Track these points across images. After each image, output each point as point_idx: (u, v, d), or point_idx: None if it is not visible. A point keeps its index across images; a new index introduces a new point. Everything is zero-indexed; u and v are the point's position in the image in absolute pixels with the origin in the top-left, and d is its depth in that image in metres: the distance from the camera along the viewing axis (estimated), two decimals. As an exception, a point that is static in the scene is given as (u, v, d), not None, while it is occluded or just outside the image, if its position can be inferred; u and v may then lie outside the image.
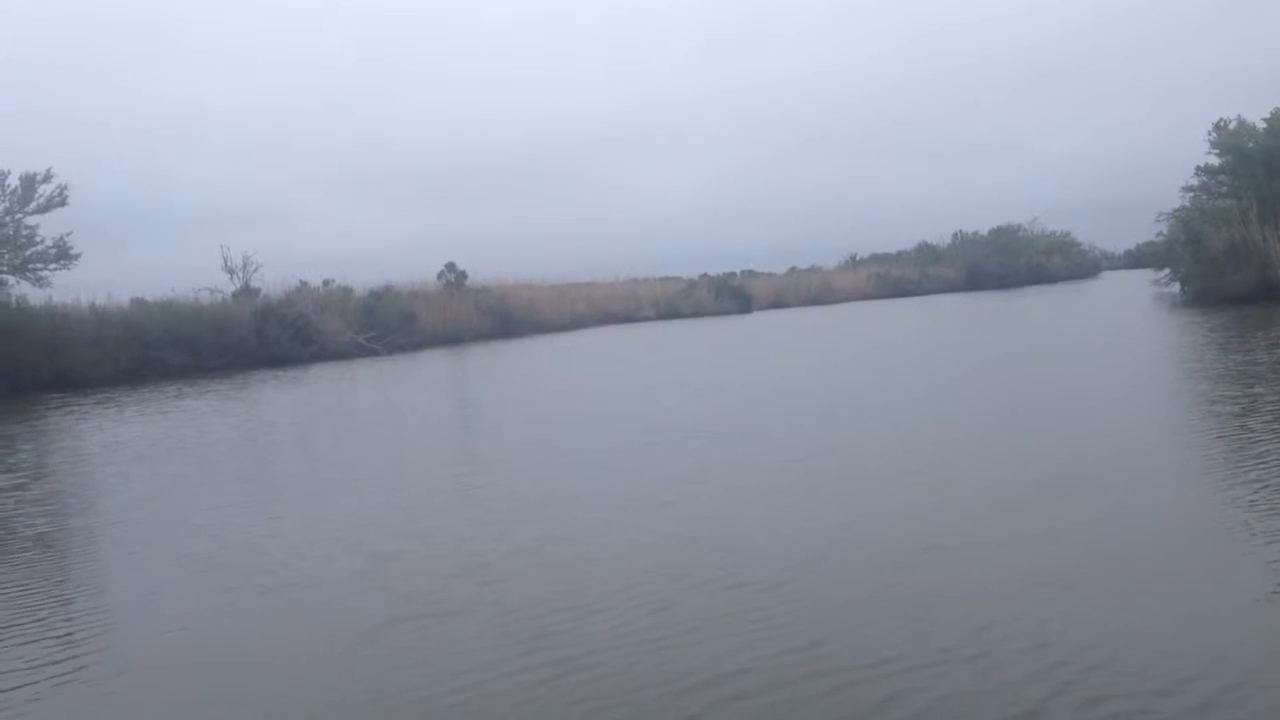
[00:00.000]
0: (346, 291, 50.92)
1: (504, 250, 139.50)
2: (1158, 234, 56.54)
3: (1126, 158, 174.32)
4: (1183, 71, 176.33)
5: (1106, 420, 15.89)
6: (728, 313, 68.95)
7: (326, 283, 51.34)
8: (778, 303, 78.00)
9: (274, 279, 49.20)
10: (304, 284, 49.68)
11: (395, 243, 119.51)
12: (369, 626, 8.08)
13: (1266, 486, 10.73)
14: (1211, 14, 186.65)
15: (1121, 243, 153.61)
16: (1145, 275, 63.20)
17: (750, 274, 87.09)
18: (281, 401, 27.16)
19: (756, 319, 63.02)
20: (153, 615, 8.79)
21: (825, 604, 7.98)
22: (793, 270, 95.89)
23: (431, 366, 38.40)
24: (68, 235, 41.41)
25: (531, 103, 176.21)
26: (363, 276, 53.24)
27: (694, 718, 6.13)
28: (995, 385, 21.45)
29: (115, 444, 19.83)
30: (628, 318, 65.28)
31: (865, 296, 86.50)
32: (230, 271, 47.23)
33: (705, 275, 76.79)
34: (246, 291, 46.57)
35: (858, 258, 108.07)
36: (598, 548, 10.06)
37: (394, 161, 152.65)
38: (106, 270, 63.76)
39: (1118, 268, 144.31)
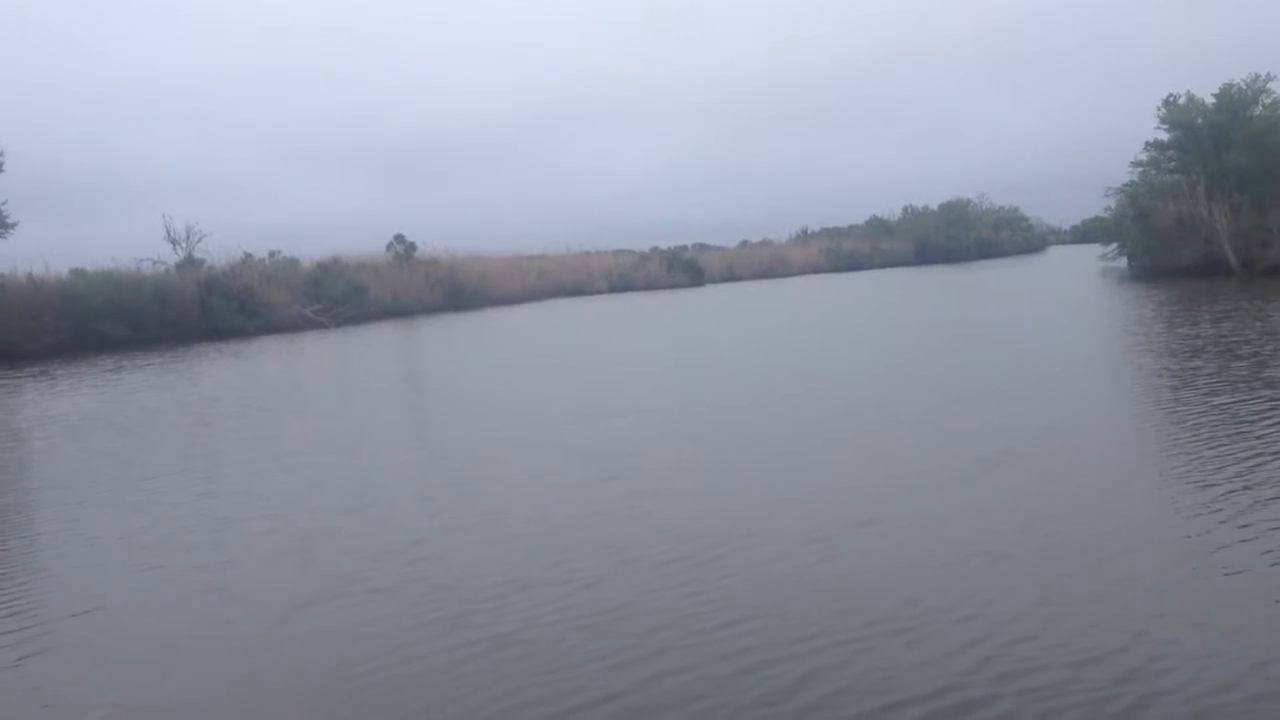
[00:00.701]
0: (293, 263, 50.20)
1: (456, 224, 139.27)
2: (1106, 209, 57.07)
3: (1075, 134, 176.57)
4: (1133, 50, 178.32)
5: (1050, 396, 15.97)
6: (680, 286, 68.80)
7: (272, 254, 50.57)
8: (730, 276, 77.97)
9: (219, 250, 48.26)
10: (249, 255, 48.84)
11: (345, 215, 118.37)
12: (290, 604, 7.92)
13: (1198, 459, 10.82)
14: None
15: (1068, 218, 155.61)
16: (1093, 250, 63.79)
17: (702, 247, 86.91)
18: (223, 375, 26.69)
19: (708, 292, 62.93)
20: (72, 595, 8.58)
21: (755, 579, 7.92)
22: (744, 244, 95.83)
23: (379, 340, 37.97)
24: (3, 204, 40.39)
25: (486, 76, 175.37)
26: (311, 249, 52.56)
27: (617, 695, 6.04)
28: (943, 362, 21.46)
29: (46, 418, 19.42)
30: (579, 290, 64.97)
31: (817, 270, 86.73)
32: (174, 242, 46.24)
33: (656, 249, 76.49)
34: (190, 263, 45.68)
35: (809, 231, 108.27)
36: (532, 524, 9.95)
37: (346, 134, 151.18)
38: (45, 240, 62.62)
39: (1065, 243, 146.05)
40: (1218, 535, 8.29)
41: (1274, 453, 10.89)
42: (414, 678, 6.49)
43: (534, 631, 7.10)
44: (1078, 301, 36.27)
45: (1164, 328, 23.94)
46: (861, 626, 6.81)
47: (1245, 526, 8.45)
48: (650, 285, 68.02)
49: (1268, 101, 45.50)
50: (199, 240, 46.71)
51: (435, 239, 59.15)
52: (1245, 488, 9.59)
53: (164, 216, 46.93)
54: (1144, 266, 49.36)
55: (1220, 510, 8.93)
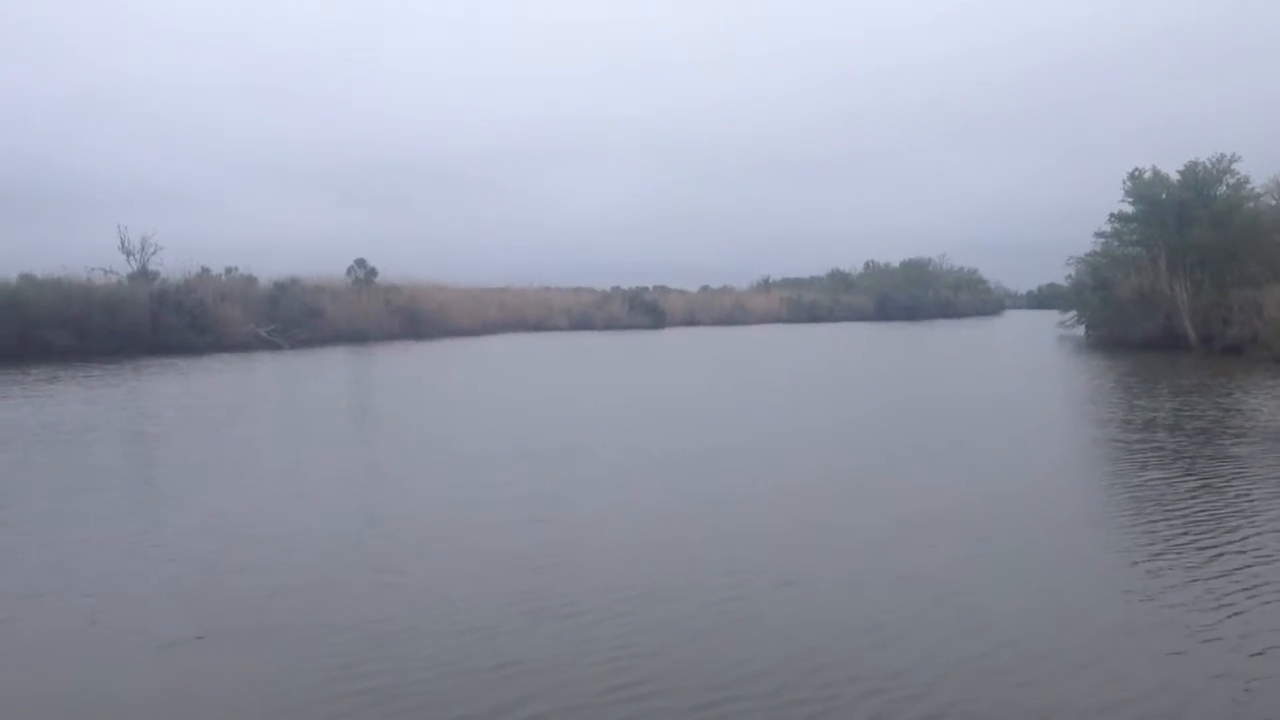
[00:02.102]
0: (250, 281, 49.55)
1: (417, 251, 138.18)
2: (1067, 277, 57.52)
3: (1035, 202, 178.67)
4: (1097, 124, 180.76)
5: (999, 462, 15.74)
6: (640, 327, 68.57)
7: (229, 270, 49.92)
8: (690, 320, 77.91)
9: (175, 264, 47.44)
10: (205, 270, 48.18)
11: (306, 235, 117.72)
12: (164, 643, 7.41)
13: (1156, 540, 10.54)
14: (1130, 75, 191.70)
15: (1025, 283, 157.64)
16: (1048, 315, 64.36)
17: (663, 290, 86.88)
18: (163, 391, 25.99)
19: (669, 335, 62.72)
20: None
21: (660, 638, 7.54)
22: (705, 289, 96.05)
23: (331, 363, 37.37)
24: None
25: (454, 107, 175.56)
26: (270, 268, 51.92)
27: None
28: (900, 419, 21.22)
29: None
30: (540, 326, 64.64)
31: (778, 319, 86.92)
32: (128, 253, 45.40)
33: (618, 288, 76.33)
34: (144, 275, 44.92)
35: (770, 280, 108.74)
36: (439, 568, 9.51)
37: (311, 155, 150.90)
38: (-1, 246, 61.35)
39: (1020, 307, 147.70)
40: (1127, 610, 8.06)
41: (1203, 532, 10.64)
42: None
43: (418, 684, 6.67)
44: (1037, 367, 36.27)
45: (1122, 399, 23.85)
46: (763, 694, 6.44)
47: (1148, 600, 8.29)
48: (611, 325, 67.72)
49: (1232, 181, 45.97)
50: (154, 252, 45.96)
51: (396, 266, 58.47)
52: (1169, 565, 9.33)
53: (119, 226, 46.02)
54: (1102, 336, 49.63)
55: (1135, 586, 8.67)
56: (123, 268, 45.10)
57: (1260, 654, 7.23)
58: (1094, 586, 8.88)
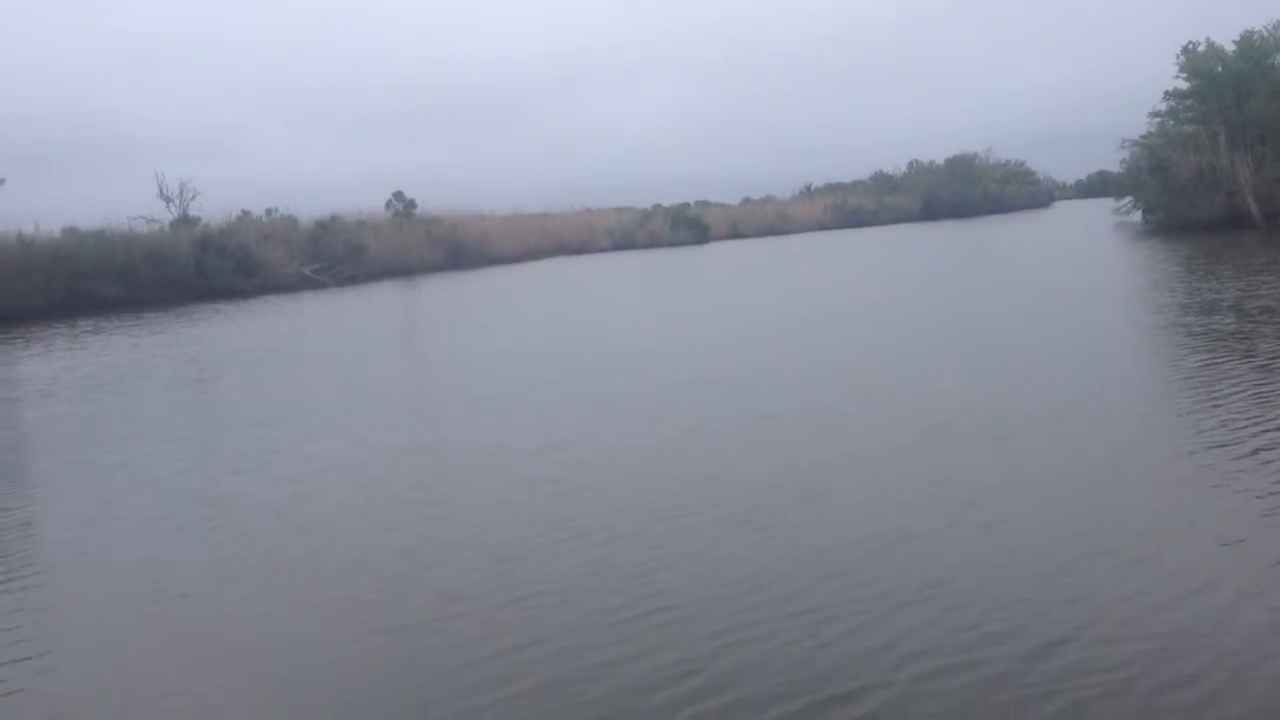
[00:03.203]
0: (291, 221, 49.33)
1: (458, 185, 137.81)
2: (1121, 161, 55.75)
3: (1080, 89, 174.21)
4: (1145, 6, 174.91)
5: (1048, 357, 15.27)
6: (684, 243, 67.70)
7: (269, 212, 49.73)
8: (734, 233, 76.70)
9: (215, 209, 47.53)
10: (246, 213, 48.06)
11: (345, 177, 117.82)
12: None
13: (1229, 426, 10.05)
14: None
15: (1072, 173, 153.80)
16: (1098, 205, 62.68)
17: (705, 204, 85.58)
18: (213, 336, 25.94)
19: (715, 249, 61.94)
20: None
21: (676, 553, 7.30)
22: (747, 201, 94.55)
23: (377, 301, 37.27)
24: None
25: (488, 39, 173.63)
26: (309, 208, 51.57)
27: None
28: (950, 329, 20.56)
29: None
30: (583, 249, 64.07)
31: (822, 227, 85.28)
32: (167, 200, 45.47)
33: (660, 206, 75.33)
34: (185, 221, 44.96)
35: (813, 188, 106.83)
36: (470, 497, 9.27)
37: (346, 94, 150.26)
38: (36, 199, 61.61)
39: (1070, 197, 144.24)
40: (1181, 500, 7.64)
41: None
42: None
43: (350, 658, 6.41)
44: (1095, 257, 35.31)
45: (1184, 283, 23.08)
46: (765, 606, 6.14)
47: (1205, 490, 7.85)
48: (654, 243, 66.93)
49: (1291, 48, 44.15)
50: (193, 197, 45.96)
51: (435, 198, 57.96)
52: (1227, 452, 8.86)
53: (157, 174, 45.98)
54: (1160, 220, 48.08)
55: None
56: (163, 215, 45.15)
57: None
58: (1146, 478, 8.46)
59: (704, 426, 11.54)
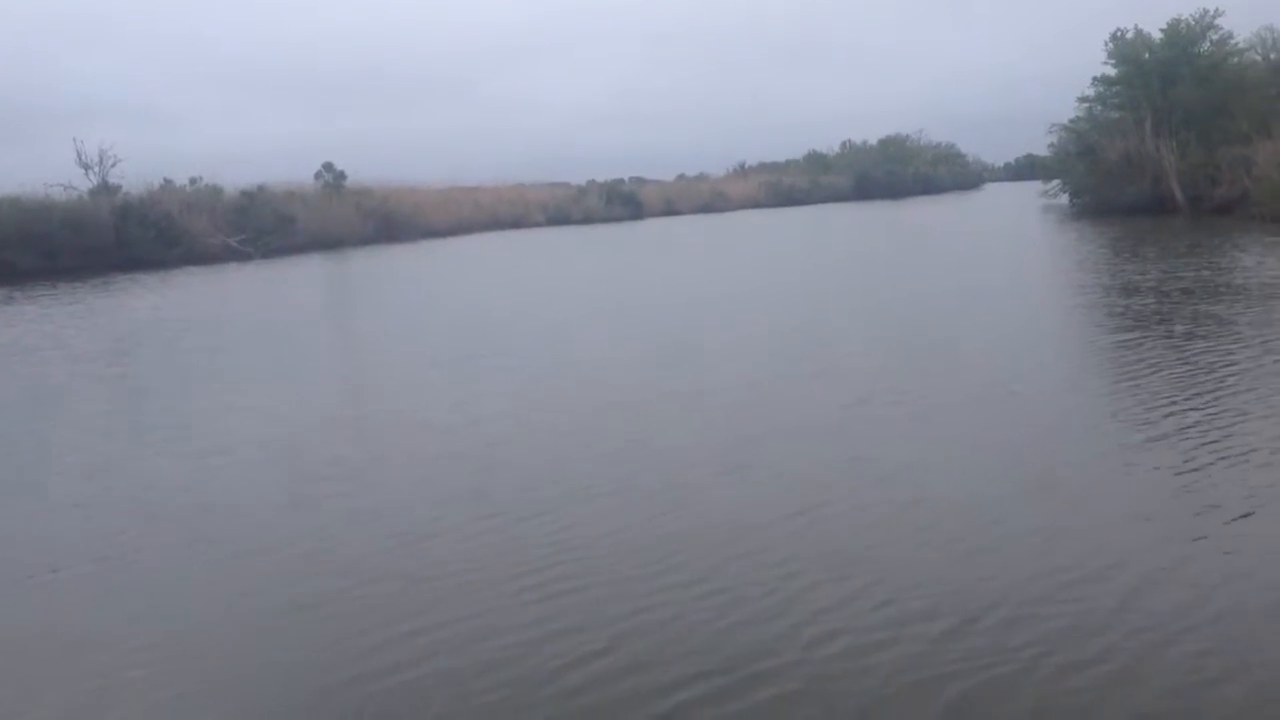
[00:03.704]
0: (216, 190, 48.17)
1: (389, 156, 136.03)
2: (1049, 145, 56.48)
3: (1009, 73, 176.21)
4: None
5: (971, 336, 15.45)
6: (618, 219, 67.38)
7: (194, 181, 48.51)
8: (668, 210, 76.43)
9: (138, 177, 45.90)
10: (169, 182, 46.81)
11: (273, 145, 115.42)
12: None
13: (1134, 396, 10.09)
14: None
15: (1001, 156, 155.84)
16: (1027, 187, 63.47)
17: (639, 181, 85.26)
18: (130, 307, 25.21)
19: (650, 226, 61.74)
20: None
21: (590, 534, 7.16)
22: (681, 177, 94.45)
23: (302, 273, 36.63)
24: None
25: (422, 8, 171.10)
26: (237, 178, 50.40)
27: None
28: (874, 304, 20.69)
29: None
30: (516, 223, 63.45)
31: (756, 205, 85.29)
32: (86, 167, 43.86)
33: (594, 181, 74.89)
34: (105, 189, 43.66)
35: (746, 165, 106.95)
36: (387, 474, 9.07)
37: (276, 59, 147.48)
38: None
39: (998, 180, 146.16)
40: (1095, 476, 7.68)
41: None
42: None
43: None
44: (1022, 238, 35.72)
45: (1109, 264, 23.43)
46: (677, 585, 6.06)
47: (1118, 466, 7.88)
48: (588, 219, 66.49)
49: (1215, 37, 44.89)
50: (113, 165, 44.41)
51: (367, 170, 56.99)
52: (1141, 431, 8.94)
53: (75, 140, 44.50)
54: (1087, 204, 48.78)
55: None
56: (82, 183, 43.77)
57: (1241, 518, 6.83)
58: (1061, 457, 8.46)
59: (624, 401, 11.43)
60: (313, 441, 10.36)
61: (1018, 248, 31.33)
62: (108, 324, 21.64)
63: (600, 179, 76.57)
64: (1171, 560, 6.19)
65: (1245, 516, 6.84)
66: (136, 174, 45.92)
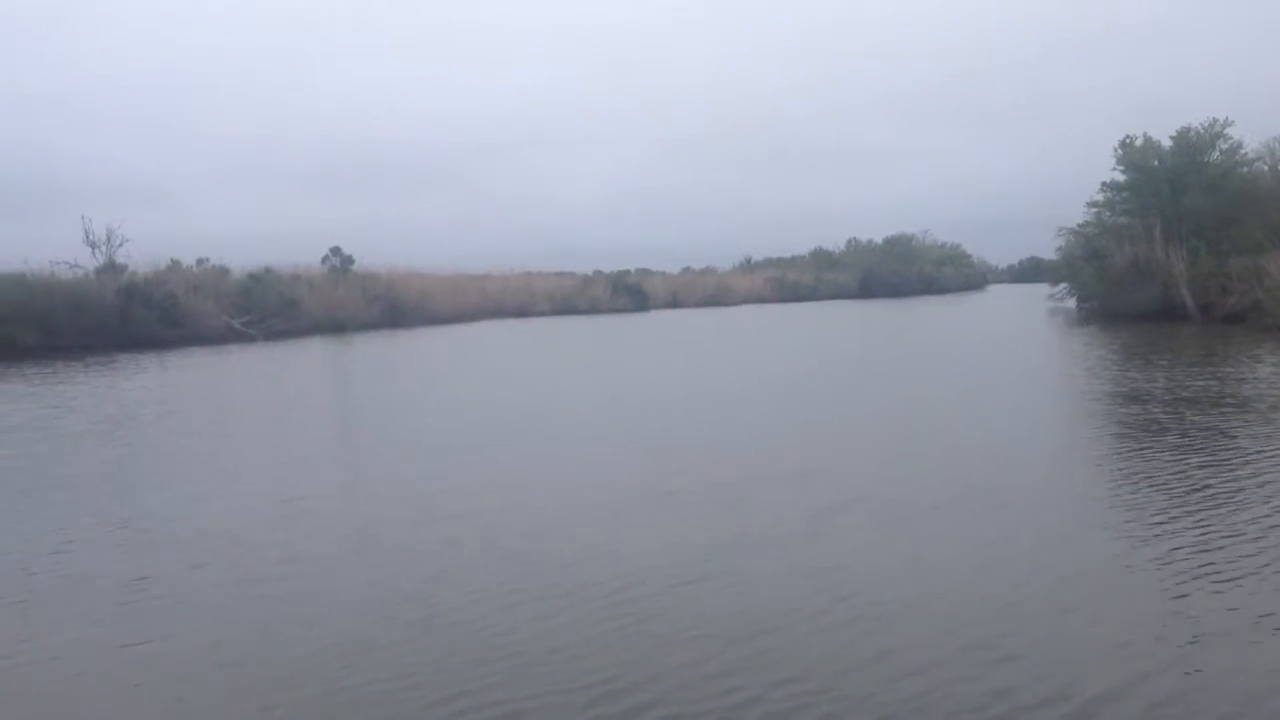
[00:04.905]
0: (222, 272, 48.14)
1: (396, 242, 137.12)
2: (1057, 249, 56.67)
3: (1012, 179, 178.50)
4: (1070, 104, 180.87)
5: (980, 437, 14.92)
6: (624, 310, 67.34)
7: (200, 262, 48.48)
8: (673, 302, 76.57)
9: (144, 257, 45.90)
10: (175, 262, 46.77)
11: (281, 228, 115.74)
12: None
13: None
14: (1098, 52, 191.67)
15: (1004, 258, 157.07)
16: (1032, 289, 63.51)
17: (645, 272, 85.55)
18: (123, 387, 24.84)
19: (655, 318, 61.56)
20: None
21: (519, 642, 6.69)
22: (687, 270, 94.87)
23: (304, 357, 36.25)
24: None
25: (428, 96, 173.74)
26: (243, 260, 50.31)
27: None
28: (894, 405, 20.30)
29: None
30: (522, 312, 63.39)
31: (762, 299, 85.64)
32: (93, 245, 43.78)
33: (600, 272, 75.03)
34: (111, 268, 43.45)
35: (752, 260, 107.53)
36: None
37: (288, 147, 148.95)
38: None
39: (1002, 281, 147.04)
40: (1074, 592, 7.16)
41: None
42: None
43: None
44: (1032, 342, 35.37)
45: (1119, 371, 23.05)
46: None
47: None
48: (594, 309, 66.48)
49: (1224, 146, 45.10)
50: (120, 245, 44.34)
51: (374, 257, 57.14)
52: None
53: (83, 218, 44.38)
54: (1095, 308, 48.62)
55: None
56: (89, 262, 43.56)
57: (1206, 640, 6.42)
58: (1035, 571, 7.99)
59: (598, 500, 11.05)
60: (269, 537, 9.92)
61: (1027, 351, 30.95)
62: (95, 405, 21.18)
63: (606, 269, 76.69)
64: (1130, 682, 5.85)
65: (1215, 641, 6.46)
66: (144, 255, 45.85)
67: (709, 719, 5.61)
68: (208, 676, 6.48)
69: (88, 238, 43.75)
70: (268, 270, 49.22)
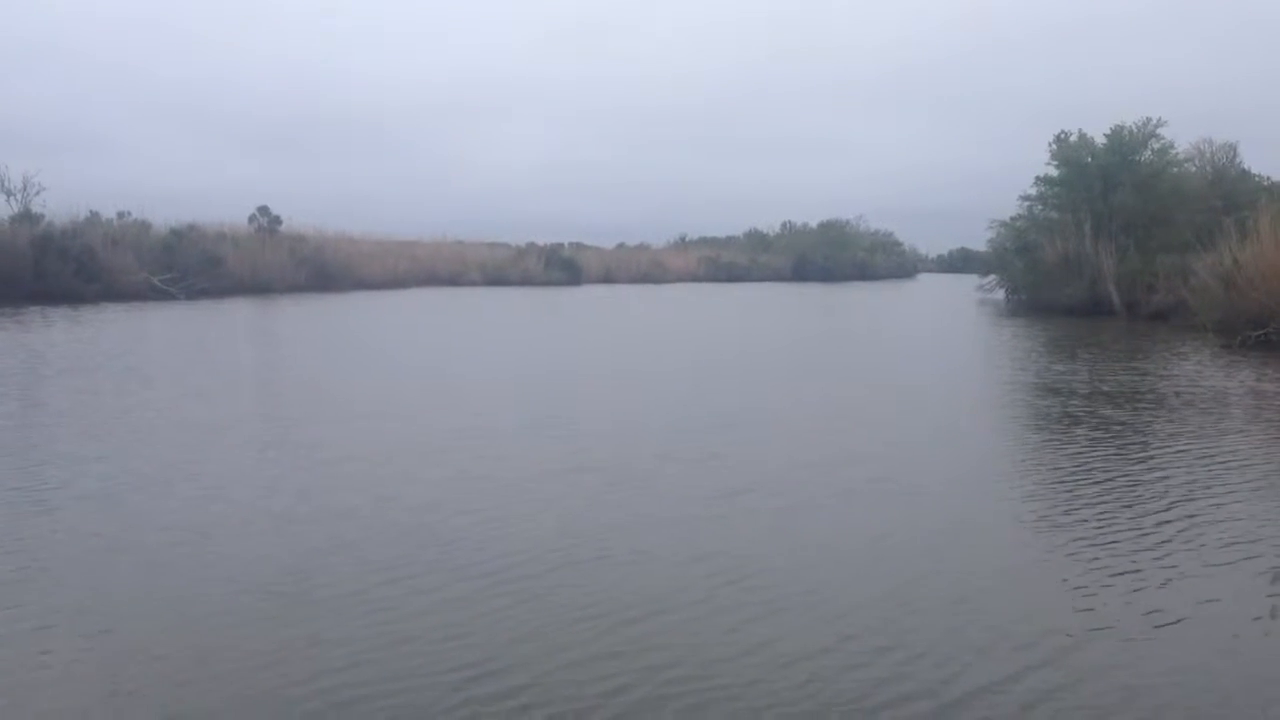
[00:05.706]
0: (144, 226, 47.01)
1: (327, 204, 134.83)
2: (988, 240, 57.09)
3: (944, 170, 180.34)
4: (1006, 97, 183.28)
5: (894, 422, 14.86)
6: (556, 283, 66.97)
7: (121, 215, 47.26)
8: (607, 278, 76.28)
9: (61, 207, 44.66)
10: (95, 214, 45.55)
11: (209, 184, 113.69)
12: None
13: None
14: (1038, 50, 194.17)
15: (934, 247, 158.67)
16: (961, 279, 64.08)
17: (579, 246, 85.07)
18: (17, 342, 24.04)
19: (587, 292, 61.22)
20: None
21: (390, 623, 6.42)
22: (621, 246, 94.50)
23: (223, 316, 35.43)
24: None
25: (374, 61, 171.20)
26: (169, 215, 49.11)
27: None
28: (811, 392, 20.31)
29: None
30: (453, 281, 62.79)
31: (695, 279, 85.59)
32: (8, 193, 42.54)
33: (534, 244, 74.40)
34: (27, 217, 42.14)
35: (687, 238, 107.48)
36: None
37: (217, 100, 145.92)
38: None
39: (932, 270, 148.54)
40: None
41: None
42: None
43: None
44: (960, 331, 35.65)
45: (1042, 363, 23.23)
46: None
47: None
48: (526, 281, 66.02)
49: (1156, 146, 45.59)
50: (37, 193, 43.10)
51: (302, 217, 56.09)
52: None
53: (-1, 164, 42.99)
54: (1023, 301, 49.07)
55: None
56: (2, 209, 42.26)
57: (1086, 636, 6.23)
58: (939, 563, 7.81)
59: (499, 475, 10.75)
60: (151, 503, 9.57)
61: (956, 341, 31.19)
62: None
63: (541, 242, 76.14)
64: (1013, 675, 5.74)
65: (1101, 636, 6.34)
66: (61, 204, 44.58)
67: (581, 703, 5.37)
68: (68, 645, 6.14)
69: (2, 184, 42.41)
70: (191, 227, 48.12)
